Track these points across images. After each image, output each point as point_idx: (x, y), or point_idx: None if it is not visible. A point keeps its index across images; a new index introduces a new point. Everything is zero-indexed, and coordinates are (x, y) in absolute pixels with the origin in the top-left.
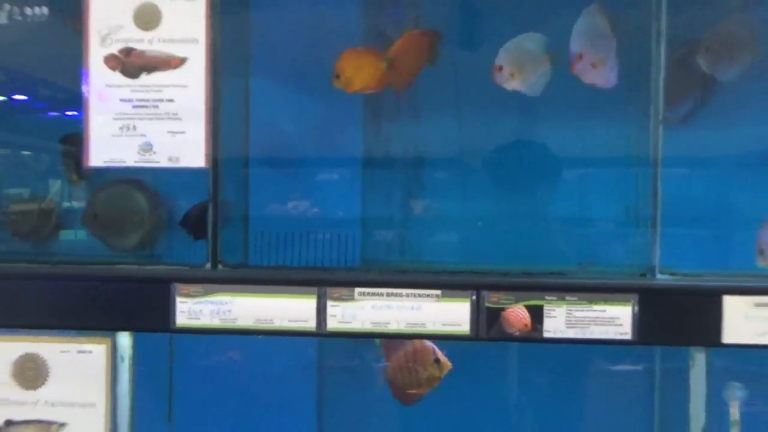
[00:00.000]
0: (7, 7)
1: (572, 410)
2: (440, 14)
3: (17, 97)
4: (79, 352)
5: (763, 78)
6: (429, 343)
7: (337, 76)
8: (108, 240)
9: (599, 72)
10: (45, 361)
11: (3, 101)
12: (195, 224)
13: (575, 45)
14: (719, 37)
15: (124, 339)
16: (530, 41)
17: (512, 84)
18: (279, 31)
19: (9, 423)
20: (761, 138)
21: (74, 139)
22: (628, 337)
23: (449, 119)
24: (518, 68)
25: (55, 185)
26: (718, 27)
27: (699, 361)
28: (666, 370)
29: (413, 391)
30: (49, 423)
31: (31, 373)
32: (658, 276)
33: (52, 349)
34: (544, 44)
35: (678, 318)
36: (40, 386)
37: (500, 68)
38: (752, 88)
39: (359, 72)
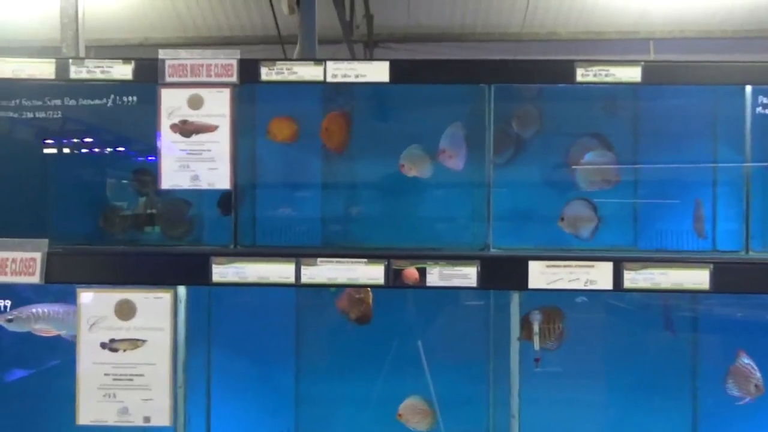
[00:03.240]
0: (112, 96)
1: (442, 326)
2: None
3: (119, 149)
4: (155, 297)
5: (544, 136)
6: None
7: (268, 132)
8: (166, 232)
9: (453, 161)
10: (134, 303)
11: (111, 151)
12: (224, 207)
13: (442, 144)
14: (523, 113)
15: (182, 290)
16: (416, 149)
17: (412, 173)
18: (271, 111)
19: (113, 340)
20: (548, 169)
21: (149, 171)
22: (475, 285)
23: (369, 165)
24: (413, 165)
25: (141, 201)
26: (521, 109)
27: (515, 298)
28: (497, 304)
29: (365, 309)
30: (137, 340)
31: (126, 311)
32: (492, 250)
33: (138, 296)
34: (424, 149)
35: (502, 274)
36: (131, 318)
37: (403, 166)
38: (539, 142)
39: (280, 131)
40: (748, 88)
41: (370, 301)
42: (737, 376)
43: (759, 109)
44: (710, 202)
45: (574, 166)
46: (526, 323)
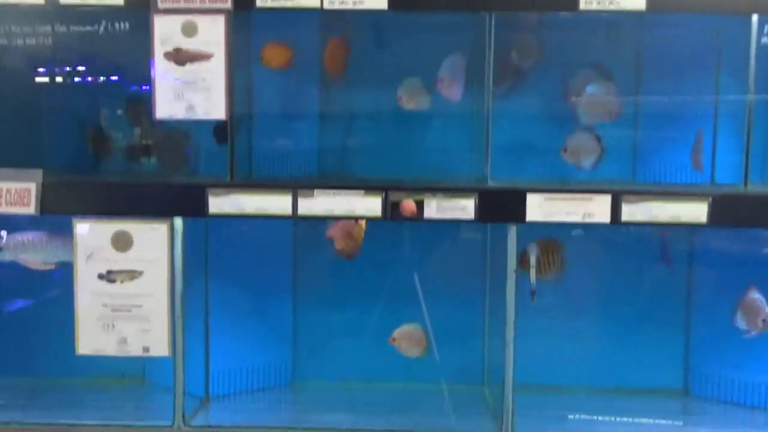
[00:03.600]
0: (103, 22)
1: (440, 258)
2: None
3: (112, 78)
4: (151, 229)
5: (543, 66)
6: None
7: (261, 59)
8: (163, 163)
9: (452, 90)
10: (131, 234)
11: (104, 81)
12: (219, 135)
13: (441, 71)
14: (523, 43)
15: (178, 221)
16: (415, 81)
17: (409, 106)
18: (267, 39)
19: (110, 272)
20: (548, 100)
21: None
22: (472, 217)
23: (367, 95)
24: (411, 97)
25: (137, 131)
26: (520, 39)
27: (512, 230)
28: (494, 236)
29: (352, 244)
30: (134, 271)
31: (122, 242)
32: (489, 182)
33: (135, 227)
34: (422, 82)
35: (500, 207)
36: (128, 250)
37: (401, 98)
38: (539, 73)
39: (274, 57)
40: (755, 18)
41: (360, 238)
42: (746, 309)
43: (765, 39)
44: (711, 135)
45: (574, 99)
46: (524, 256)
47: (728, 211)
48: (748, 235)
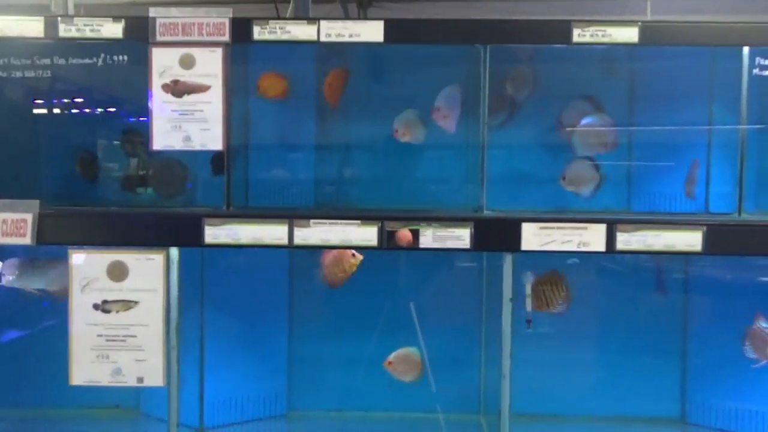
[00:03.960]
0: (102, 55)
1: (436, 287)
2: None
3: (110, 109)
4: (147, 259)
5: (537, 97)
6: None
7: (258, 88)
8: (159, 191)
9: (447, 121)
10: (127, 264)
11: (102, 112)
12: (216, 166)
13: (437, 102)
14: (517, 75)
15: (174, 251)
16: (411, 114)
17: (405, 139)
18: (265, 67)
19: (105, 302)
20: (542, 131)
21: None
22: (468, 246)
23: (363, 126)
24: (407, 130)
25: (133, 162)
26: (515, 71)
27: (508, 259)
28: (490, 265)
29: (340, 275)
30: (129, 301)
31: (118, 272)
32: (485, 212)
33: (130, 257)
34: (418, 115)
35: (496, 236)
36: (123, 280)
37: (396, 131)
38: (533, 103)
39: (271, 87)
40: (746, 49)
41: (350, 271)
42: (754, 339)
43: (756, 71)
44: (704, 164)
45: (567, 129)
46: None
47: (723, 239)
48: (743, 263)
